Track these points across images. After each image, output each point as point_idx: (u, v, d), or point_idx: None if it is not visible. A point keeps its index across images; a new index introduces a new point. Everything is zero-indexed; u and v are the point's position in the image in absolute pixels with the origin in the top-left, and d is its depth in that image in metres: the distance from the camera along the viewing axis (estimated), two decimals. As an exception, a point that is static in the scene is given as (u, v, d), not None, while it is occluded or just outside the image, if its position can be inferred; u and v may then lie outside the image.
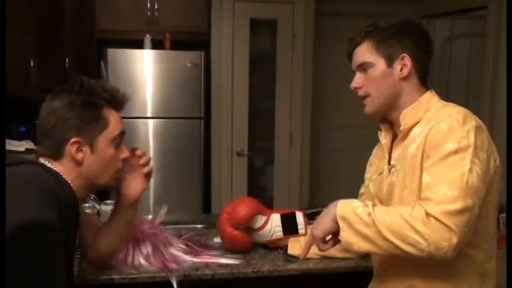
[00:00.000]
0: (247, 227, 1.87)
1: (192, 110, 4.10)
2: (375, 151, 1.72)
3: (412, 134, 1.49)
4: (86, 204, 2.01)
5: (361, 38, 1.57)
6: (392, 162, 1.55)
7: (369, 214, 1.37)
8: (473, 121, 1.39)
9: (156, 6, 4.07)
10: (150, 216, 1.90)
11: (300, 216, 1.88)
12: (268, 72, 4.27)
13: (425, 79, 1.55)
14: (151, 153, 4.09)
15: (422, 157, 1.42)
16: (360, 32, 1.58)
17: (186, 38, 4.13)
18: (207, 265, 1.78)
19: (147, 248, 1.77)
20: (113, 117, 1.48)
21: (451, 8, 4.20)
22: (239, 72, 4.18)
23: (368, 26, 1.58)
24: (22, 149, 3.34)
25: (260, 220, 1.88)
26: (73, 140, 1.41)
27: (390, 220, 1.34)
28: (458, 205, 1.29)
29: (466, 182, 1.31)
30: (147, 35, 4.03)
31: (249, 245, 1.89)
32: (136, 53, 4.00)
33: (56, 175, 1.39)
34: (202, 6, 4.14)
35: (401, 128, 1.52)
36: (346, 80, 5.07)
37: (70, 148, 1.41)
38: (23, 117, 3.74)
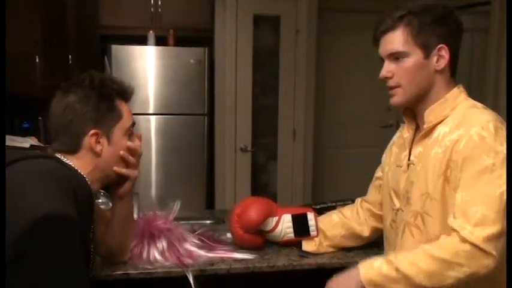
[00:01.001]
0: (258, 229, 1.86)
1: (196, 106, 4.10)
2: (396, 138, 1.66)
3: (436, 132, 1.43)
4: (100, 200, 2.00)
5: (393, 22, 1.42)
6: (411, 157, 1.50)
7: (397, 270, 1.31)
8: (504, 131, 1.34)
9: (159, 3, 4.06)
10: (157, 212, 1.90)
11: (311, 218, 1.85)
12: (272, 68, 4.27)
13: (455, 71, 1.48)
14: (153, 150, 4.10)
15: (447, 165, 1.36)
16: (391, 15, 1.43)
17: (189, 34, 4.14)
18: (222, 260, 1.78)
19: (162, 243, 1.77)
20: (124, 109, 1.50)
21: (454, 3, 4.19)
22: (242, 69, 4.17)
23: (399, 9, 1.43)
24: (27, 145, 3.32)
25: (271, 222, 1.84)
26: (92, 131, 1.42)
27: (423, 265, 1.29)
28: (496, 228, 1.25)
29: (504, 202, 1.27)
30: (151, 32, 4.02)
31: (261, 244, 1.87)
32: (140, 49, 3.99)
33: (72, 169, 1.39)
34: (205, 2, 4.14)
35: (425, 126, 1.46)
36: (349, 76, 5.09)
37: (89, 140, 1.42)
38: (26, 113, 3.74)
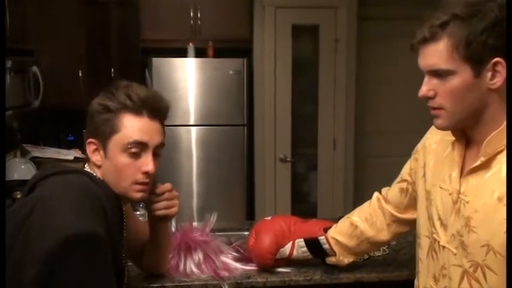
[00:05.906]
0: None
1: (235, 117, 4.13)
2: (434, 144, 1.41)
3: (496, 165, 1.19)
4: (138, 212, 2.02)
5: (434, 30, 1.14)
6: (462, 189, 1.25)
7: None
8: None
9: (199, 15, 4.12)
10: (196, 223, 1.91)
11: (324, 242, 1.74)
12: (311, 77, 4.25)
13: None
14: (194, 161, 4.14)
15: None
16: (431, 21, 1.15)
17: (228, 45, 4.17)
18: (259, 273, 1.78)
19: (198, 256, 1.78)
20: (129, 123, 1.37)
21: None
22: (281, 79, 4.18)
23: (441, 12, 1.14)
24: (71, 157, 3.41)
25: (284, 252, 1.78)
26: (88, 140, 1.40)
27: None
28: None
29: None
30: (190, 44, 4.08)
31: (286, 264, 1.82)
32: (180, 61, 4.06)
33: (101, 184, 1.38)
34: (244, 13, 4.18)
35: (482, 158, 1.20)
36: (390, 84, 4.97)
37: (88, 149, 1.41)
38: (71, 126, 3.84)
